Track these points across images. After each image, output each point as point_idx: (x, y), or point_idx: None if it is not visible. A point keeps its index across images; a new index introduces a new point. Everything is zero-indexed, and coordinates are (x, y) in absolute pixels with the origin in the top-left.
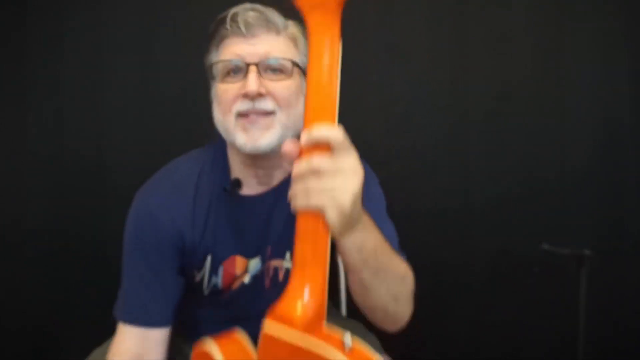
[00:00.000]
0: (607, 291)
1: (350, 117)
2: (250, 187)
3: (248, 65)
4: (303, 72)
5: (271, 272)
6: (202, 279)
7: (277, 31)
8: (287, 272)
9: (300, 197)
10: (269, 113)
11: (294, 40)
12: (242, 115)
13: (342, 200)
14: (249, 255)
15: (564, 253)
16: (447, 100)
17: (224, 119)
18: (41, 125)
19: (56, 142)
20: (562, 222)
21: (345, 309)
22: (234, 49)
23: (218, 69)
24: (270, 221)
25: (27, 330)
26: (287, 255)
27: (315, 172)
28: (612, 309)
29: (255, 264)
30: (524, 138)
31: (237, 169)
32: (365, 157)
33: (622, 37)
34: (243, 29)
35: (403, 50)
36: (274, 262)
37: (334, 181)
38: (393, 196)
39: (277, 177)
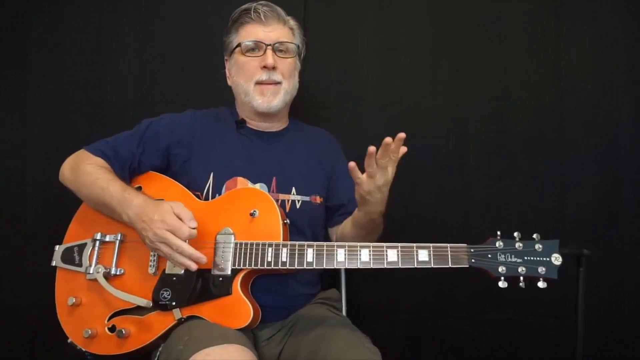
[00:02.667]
0: (606, 291)
1: (351, 117)
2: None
3: (266, 45)
4: (298, 54)
5: (279, 203)
6: (207, 196)
7: (284, 22)
8: (294, 203)
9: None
10: (277, 82)
11: (292, 30)
12: (259, 83)
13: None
14: (252, 180)
15: (563, 253)
16: (447, 100)
17: (245, 84)
18: (41, 125)
19: (56, 142)
20: (561, 222)
21: (345, 309)
22: (254, 33)
23: (242, 47)
24: (273, 155)
25: (26, 330)
26: (293, 190)
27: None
28: (610, 309)
29: (259, 187)
30: (524, 138)
31: (244, 117)
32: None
33: (622, 38)
34: (263, 18)
35: (403, 50)
36: (282, 196)
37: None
38: (393, 196)
39: (275, 127)
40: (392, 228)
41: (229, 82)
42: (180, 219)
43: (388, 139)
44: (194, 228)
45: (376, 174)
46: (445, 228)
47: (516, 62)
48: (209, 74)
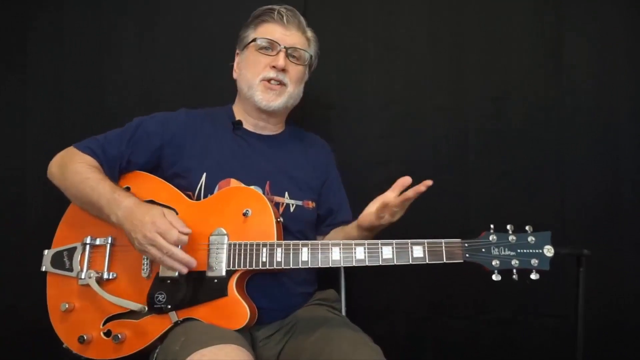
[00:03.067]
0: (606, 291)
1: (351, 117)
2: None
3: (281, 47)
4: (309, 65)
5: (273, 204)
6: (199, 197)
7: (303, 31)
8: (288, 207)
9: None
10: (284, 85)
11: (309, 40)
12: (265, 79)
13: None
14: (246, 182)
15: (563, 253)
16: (447, 100)
17: (251, 78)
18: (41, 125)
19: (56, 142)
20: (561, 222)
21: (344, 309)
22: (272, 32)
23: (257, 42)
24: (268, 158)
25: (26, 330)
26: (286, 194)
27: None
28: (610, 309)
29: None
30: (524, 138)
31: (241, 117)
32: (365, 157)
33: (622, 38)
34: (285, 21)
35: (403, 50)
36: (276, 199)
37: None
38: None
39: (271, 130)
40: (391, 227)
41: (234, 76)
42: (172, 224)
43: (418, 187)
44: (186, 234)
45: (397, 213)
46: (445, 228)
47: (516, 62)
48: (209, 75)
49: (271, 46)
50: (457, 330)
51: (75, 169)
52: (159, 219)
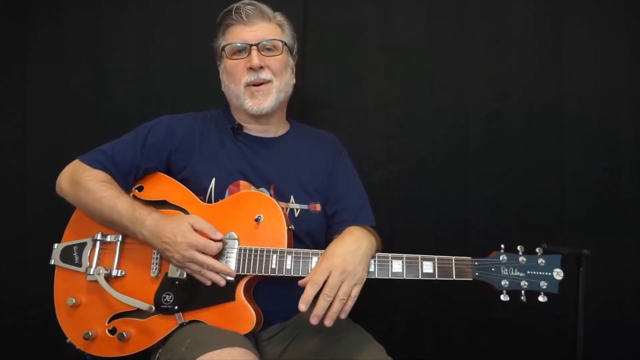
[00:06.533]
0: (606, 291)
1: (351, 117)
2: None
3: (251, 46)
4: (289, 50)
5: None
6: (209, 200)
7: (269, 19)
8: (292, 211)
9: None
10: (268, 81)
11: (281, 26)
12: (249, 84)
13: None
14: (254, 184)
15: (563, 253)
16: (447, 100)
17: (236, 87)
18: (41, 125)
19: (56, 142)
20: (561, 222)
21: None
22: (238, 34)
23: (227, 50)
24: (272, 162)
25: (26, 329)
26: (292, 198)
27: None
28: (610, 309)
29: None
30: (524, 138)
31: (241, 122)
32: (366, 157)
33: (621, 37)
34: (245, 18)
35: (403, 50)
36: (281, 204)
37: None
38: (393, 196)
39: (274, 132)
40: (392, 224)
41: (222, 88)
42: (204, 234)
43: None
44: (219, 240)
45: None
46: (445, 228)
47: (516, 62)
48: (210, 75)
49: (242, 48)
50: (457, 329)
51: (87, 187)
52: (191, 235)
